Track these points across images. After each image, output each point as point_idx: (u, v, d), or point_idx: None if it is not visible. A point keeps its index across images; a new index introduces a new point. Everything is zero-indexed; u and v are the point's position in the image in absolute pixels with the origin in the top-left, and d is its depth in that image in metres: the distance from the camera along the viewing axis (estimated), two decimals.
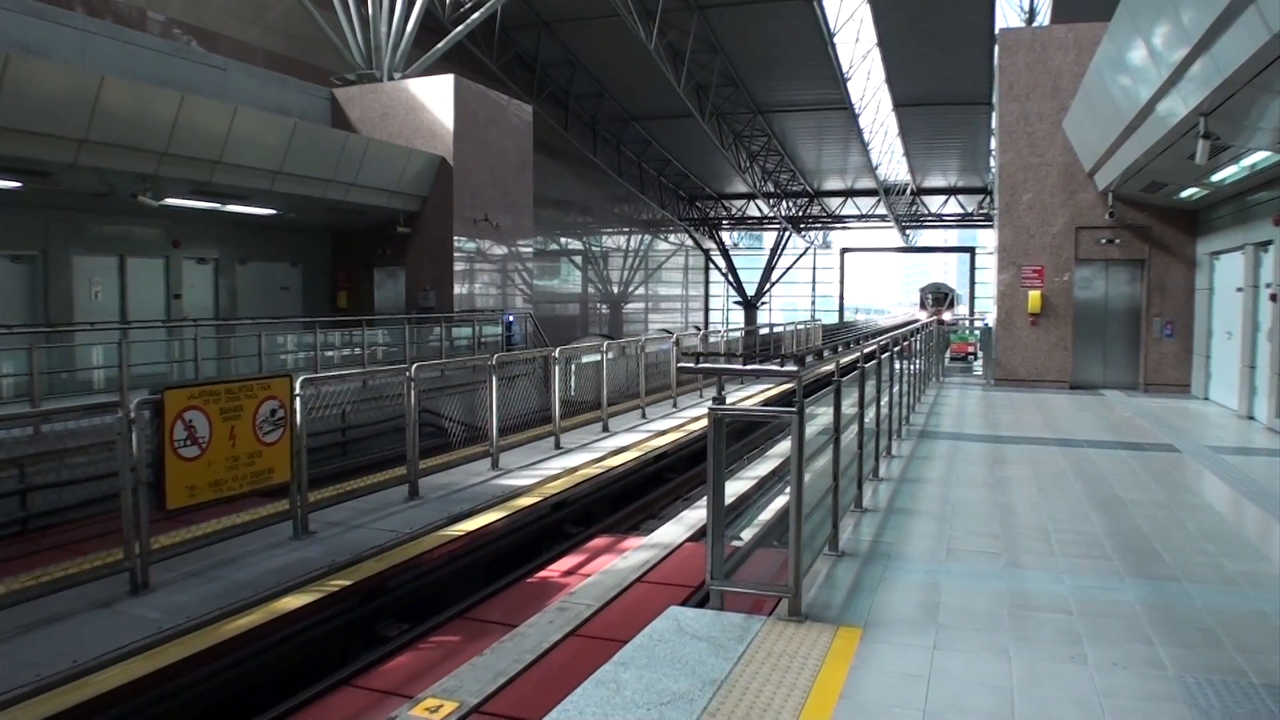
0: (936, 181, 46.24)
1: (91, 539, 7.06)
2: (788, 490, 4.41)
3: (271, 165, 15.64)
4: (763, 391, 17.06)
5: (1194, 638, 4.33)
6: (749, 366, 5.02)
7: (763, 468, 9.78)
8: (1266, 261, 11.60)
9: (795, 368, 4.52)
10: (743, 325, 46.01)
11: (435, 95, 19.62)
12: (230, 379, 7.17)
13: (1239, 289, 12.61)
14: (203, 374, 13.19)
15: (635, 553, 6.94)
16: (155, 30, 18.24)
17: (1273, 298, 11.11)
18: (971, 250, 56.51)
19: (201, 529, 6.86)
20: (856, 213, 49.15)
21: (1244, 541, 6.29)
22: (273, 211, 17.43)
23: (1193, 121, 8.92)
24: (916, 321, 13.70)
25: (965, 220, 48.63)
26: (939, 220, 49.37)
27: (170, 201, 15.00)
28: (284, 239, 20.00)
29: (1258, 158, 10.15)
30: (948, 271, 67.38)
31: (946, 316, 25.54)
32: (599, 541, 8.03)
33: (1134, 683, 3.81)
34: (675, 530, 7.57)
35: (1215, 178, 11.86)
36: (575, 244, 39.36)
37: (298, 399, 6.93)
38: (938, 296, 55.74)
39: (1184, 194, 13.91)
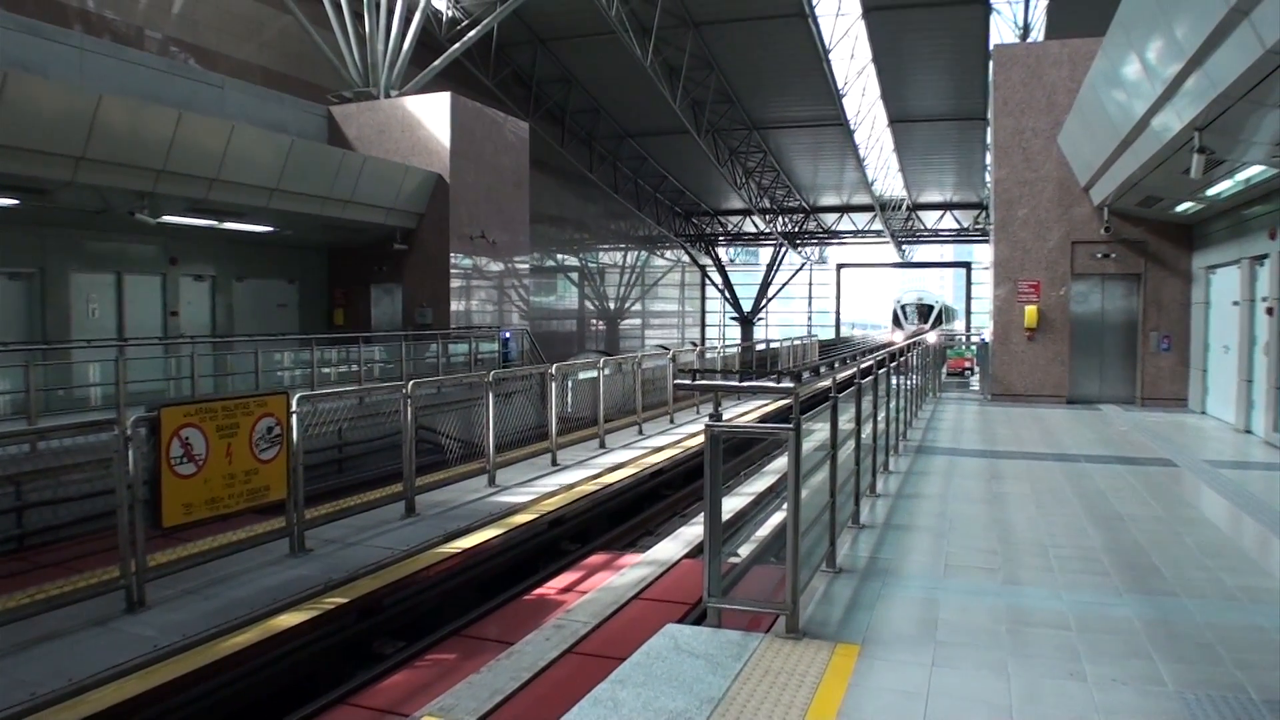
0: (932, 197, 46.39)
1: (87, 556, 7.04)
2: (785, 506, 4.40)
3: (268, 182, 15.69)
4: (760, 407, 17.04)
5: (1193, 653, 4.31)
6: (746, 384, 5.01)
7: (760, 484, 9.76)
8: (1262, 275, 11.63)
9: (792, 384, 4.52)
10: (739, 341, 46.02)
11: (432, 112, 19.71)
12: (227, 396, 7.17)
13: (1235, 303, 12.64)
14: (199, 391, 13.18)
15: (632, 570, 6.92)
16: (153, 48, 18.32)
17: (1269, 311, 11.14)
18: (968, 265, 55.78)
19: (198, 546, 6.83)
20: (852, 228, 49.25)
21: (1243, 556, 6.27)
22: (270, 229, 17.47)
23: (1187, 136, 8.95)
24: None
25: (961, 235, 48.70)
26: (935, 235, 49.38)
27: (167, 219, 15.04)
28: (281, 256, 20.05)
29: (1253, 172, 10.19)
30: (944, 286, 66.91)
31: (931, 338, 21.23)
32: (596, 558, 8.01)
33: (1133, 699, 3.79)
34: (672, 547, 7.55)
35: (1210, 192, 11.90)
36: (572, 260, 39.44)
37: (294, 416, 6.93)
38: (921, 309, 44.37)
39: (1179, 208, 13.95)
